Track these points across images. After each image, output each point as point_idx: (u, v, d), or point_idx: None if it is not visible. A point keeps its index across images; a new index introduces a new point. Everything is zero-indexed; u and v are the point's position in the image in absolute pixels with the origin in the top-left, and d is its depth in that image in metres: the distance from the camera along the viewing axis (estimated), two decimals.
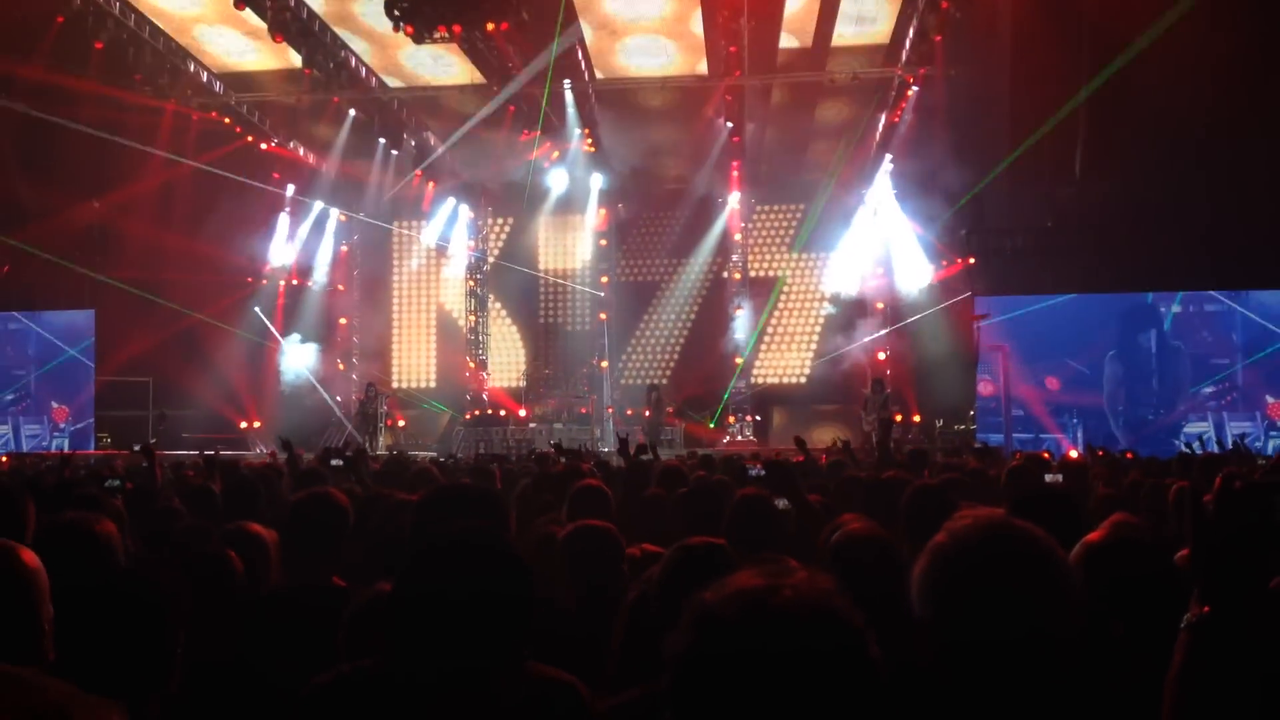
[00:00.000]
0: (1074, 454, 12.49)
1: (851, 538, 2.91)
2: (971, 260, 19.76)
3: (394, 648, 1.80)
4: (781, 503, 4.20)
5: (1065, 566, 1.70)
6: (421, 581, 1.84)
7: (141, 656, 2.01)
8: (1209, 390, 18.34)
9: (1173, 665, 1.59)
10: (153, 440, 18.47)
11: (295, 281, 22.43)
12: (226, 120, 19.54)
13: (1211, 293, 18.49)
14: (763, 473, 5.02)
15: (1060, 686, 1.59)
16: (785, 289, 23.06)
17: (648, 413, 19.28)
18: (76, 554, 2.58)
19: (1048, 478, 5.99)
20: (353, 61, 18.49)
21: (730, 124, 19.25)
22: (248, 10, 15.70)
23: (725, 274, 22.22)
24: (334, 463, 7.16)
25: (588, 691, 2.08)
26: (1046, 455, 10.49)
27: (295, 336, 21.75)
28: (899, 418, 18.50)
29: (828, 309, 21.71)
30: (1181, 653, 1.58)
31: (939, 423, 19.35)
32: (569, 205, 22.33)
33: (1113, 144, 16.94)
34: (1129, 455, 11.07)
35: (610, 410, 21.10)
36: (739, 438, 20.12)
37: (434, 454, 15.80)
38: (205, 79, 18.98)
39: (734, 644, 1.18)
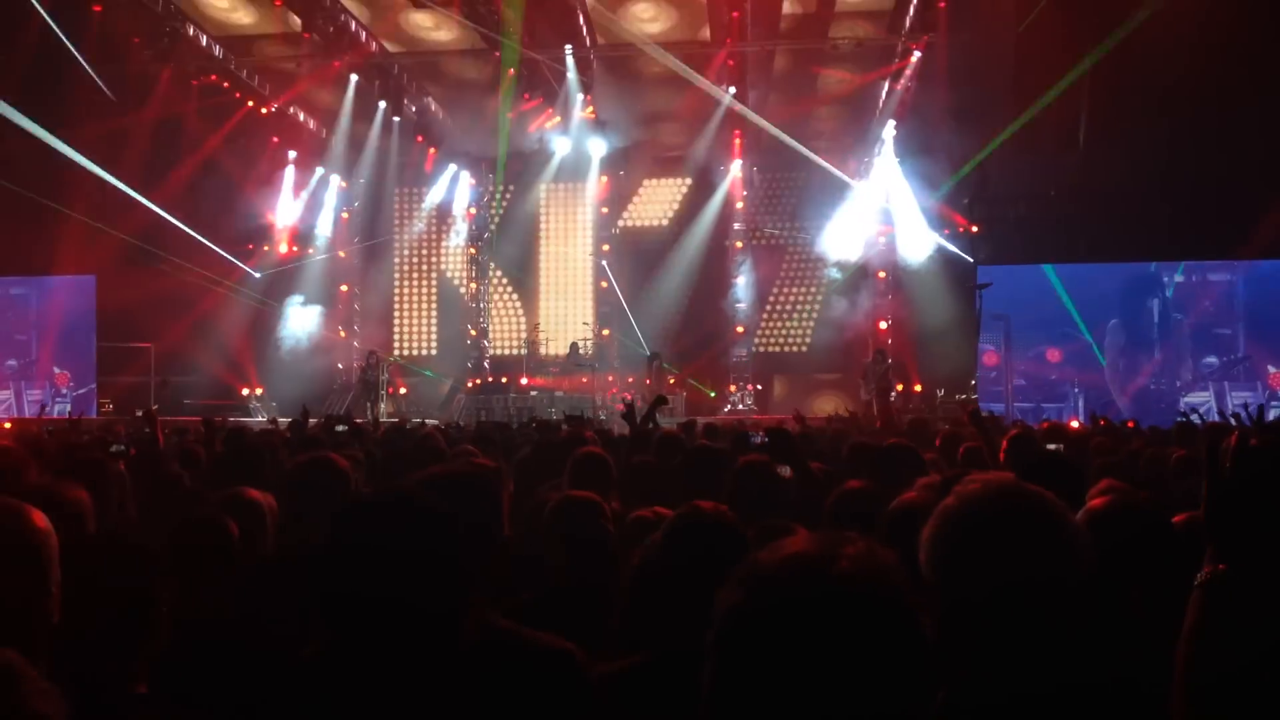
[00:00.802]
0: (1075, 424, 12.49)
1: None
2: (974, 228, 19.70)
3: (323, 617, 1.73)
4: (784, 470, 4.20)
5: (1074, 526, 1.70)
6: (335, 544, 1.76)
7: (121, 619, 2.01)
8: (1211, 360, 18.34)
9: (1185, 623, 1.59)
10: (155, 406, 18.53)
11: (295, 249, 22.37)
12: (225, 84, 19.42)
13: (1214, 262, 18.43)
14: (765, 440, 5.01)
15: (1070, 645, 1.59)
16: (787, 257, 22.97)
17: (648, 381, 19.27)
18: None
19: (1049, 447, 5.99)
20: (352, 25, 18.36)
21: (733, 90, 19.14)
22: None
23: (727, 242, 22.16)
24: (338, 429, 7.17)
25: (584, 658, 2.07)
26: (1047, 425, 10.50)
27: (298, 298, 21.74)
28: (900, 387, 18.50)
29: (832, 273, 21.58)
30: (1195, 611, 1.58)
31: (940, 392, 19.34)
32: (570, 172, 22.22)
33: (1117, 112, 16.85)
34: (1130, 425, 11.08)
35: (612, 380, 21.09)
36: (740, 407, 20.12)
37: (435, 422, 15.82)
38: (205, 42, 18.84)
39: (786, 606, 1.16)
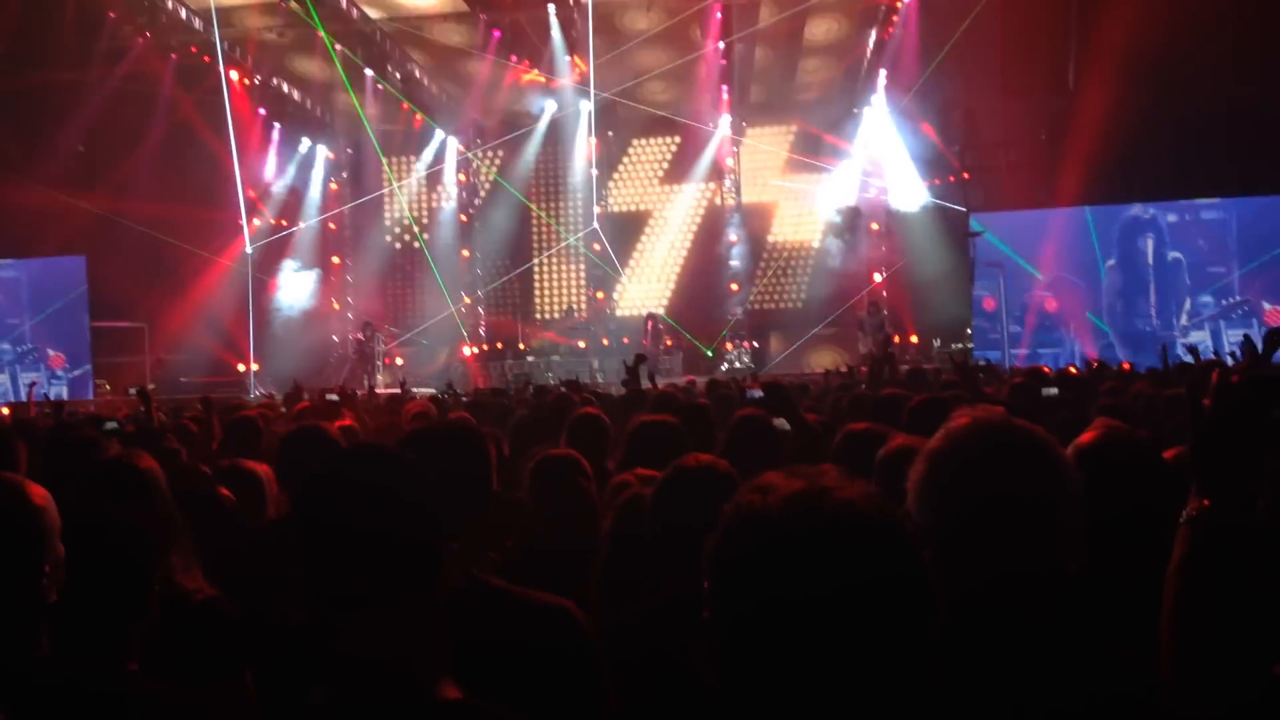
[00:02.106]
0: (1072, 369, 12.51)
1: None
2: (966, 175, 19.63)
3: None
4: (780, 423, 4.19)
5: (1064, 460, 1.70)
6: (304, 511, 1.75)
7: (109, 593, 2.01)
8: (1207, 300, 18.31)
9: (1173, 559, 1.60)
10: (151, 386, 18.51)
11: (284, 222, 22.28)
12: (206, 59, 19.21)
13: (1206, 201, 18.33)
14: (760, 395, 5.01)
15: (1062, 583, 1.60)
16: (779, 212, 22.87)
17: (645, 342, 19.24)
18: None
19: (1045, 392, 5.99)
20: None
21: (721, 45, 19.00)
22: None
23: (719, 200, 22.06)
24: (329, 397, 7.17)
25: (582, 614, 2.07)
26: (1046, 370, 10.51)
27: (292, 263, 21.70)
28: (897, 339, 18.51)
29: (832, 218, 21.45)
30: (1182, 546, 1.59)
31: (936, 342, 19.37)
32: (559, 135, 22.07)
33: (1105, 53, 16.71)
34: (1125, 367, 11.09)
35: (607, 344, 21.05)
36: (737, 364, 20.12)
37: (433, 390, 15.82)
38: (184, 15, 18.63)
39: (785, 542, 1.16)
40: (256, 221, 21.66)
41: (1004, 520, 1.61)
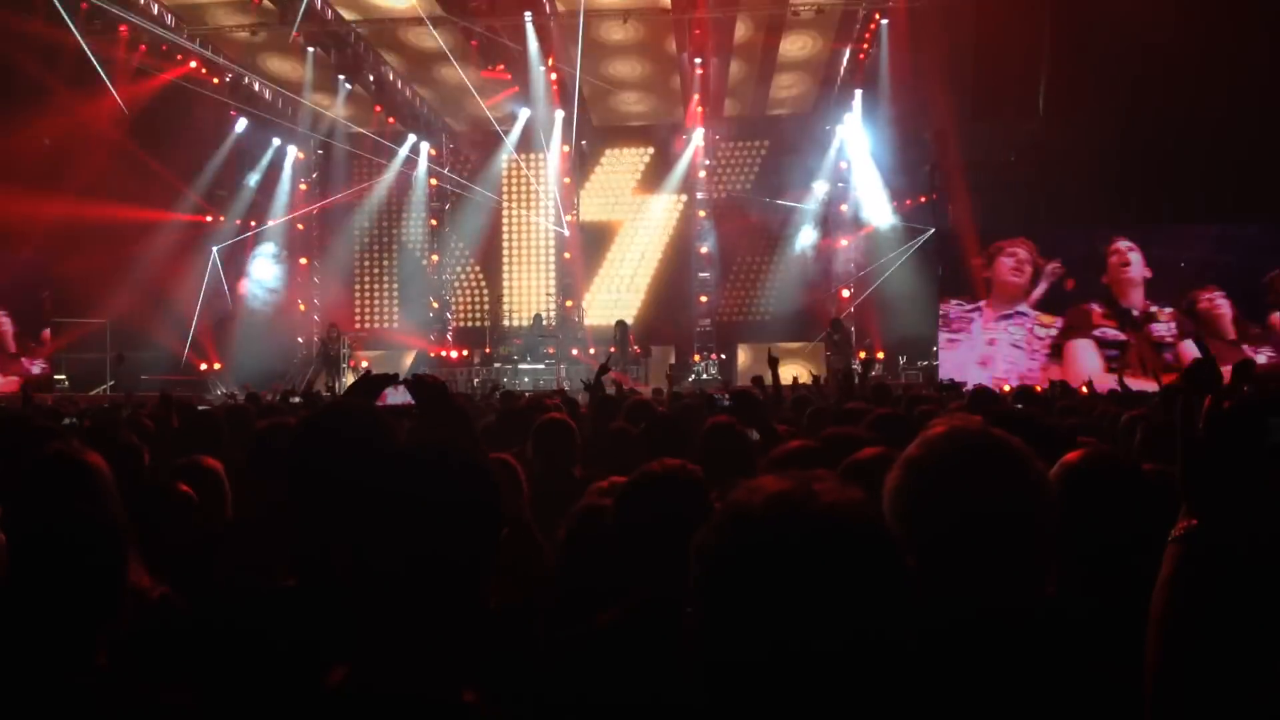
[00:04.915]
0: (1037, 388, 12.60)
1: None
2: (935, 196, 19.80)
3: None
4: (751, 433, 4.18)
5: (1041, 471, 1.72)
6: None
7: (79, 594, 1.96)
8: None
9: (1160, 576, 1.62)
10: (110, 383, 18.27)
11: (252, 222, 22.11)
12: (179, 56, 19.03)
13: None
14: (729, 402, 5.00)
15: (1039, 590, 1.62)
16: (749, 226, 22.93)
17: (613, 349, 19.21)
18: None
19: (1018, 407, 6.03)
20: None
21: (698, 59, 19.10)
22: None
23: (689, 211, 22.12)
24: (294, 400, 7.09)
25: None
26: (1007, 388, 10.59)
27: (269, 246, 21.57)
28: (862, 355, 18.61)
29: (802, 244, 21.58)
30: (1170, 564, 1.61)
31: (902, 359, 19.51)
32: (531, 143, 22.04)
33: (1076, 79, 16.92)
34: (1083, 391, 11.14)
35: (575, 353, 21.00)
36: (704, 376, 20.13)
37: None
38: (156, 11, 18.43)
39: (774, 542, 1.19)
40: (222, 219, 21.49)
41: (979, 529, 1.61)
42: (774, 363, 8.21)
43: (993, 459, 1.67)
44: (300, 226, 23.17)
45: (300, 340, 22.54)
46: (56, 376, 19.35)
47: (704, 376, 20.04)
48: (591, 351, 20.54)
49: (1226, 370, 2.20)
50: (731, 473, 3.25)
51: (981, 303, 18.05)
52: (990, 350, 17.85)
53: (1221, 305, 17.35)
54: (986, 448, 1.69)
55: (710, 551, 1.23)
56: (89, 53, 17.25)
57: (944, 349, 18.04)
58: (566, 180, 22.49)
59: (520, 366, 19.80)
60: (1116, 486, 2.19)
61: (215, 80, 20.03)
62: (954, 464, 1.66)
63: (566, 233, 22.44)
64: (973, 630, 1.58)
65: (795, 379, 9.76)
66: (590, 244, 23.13)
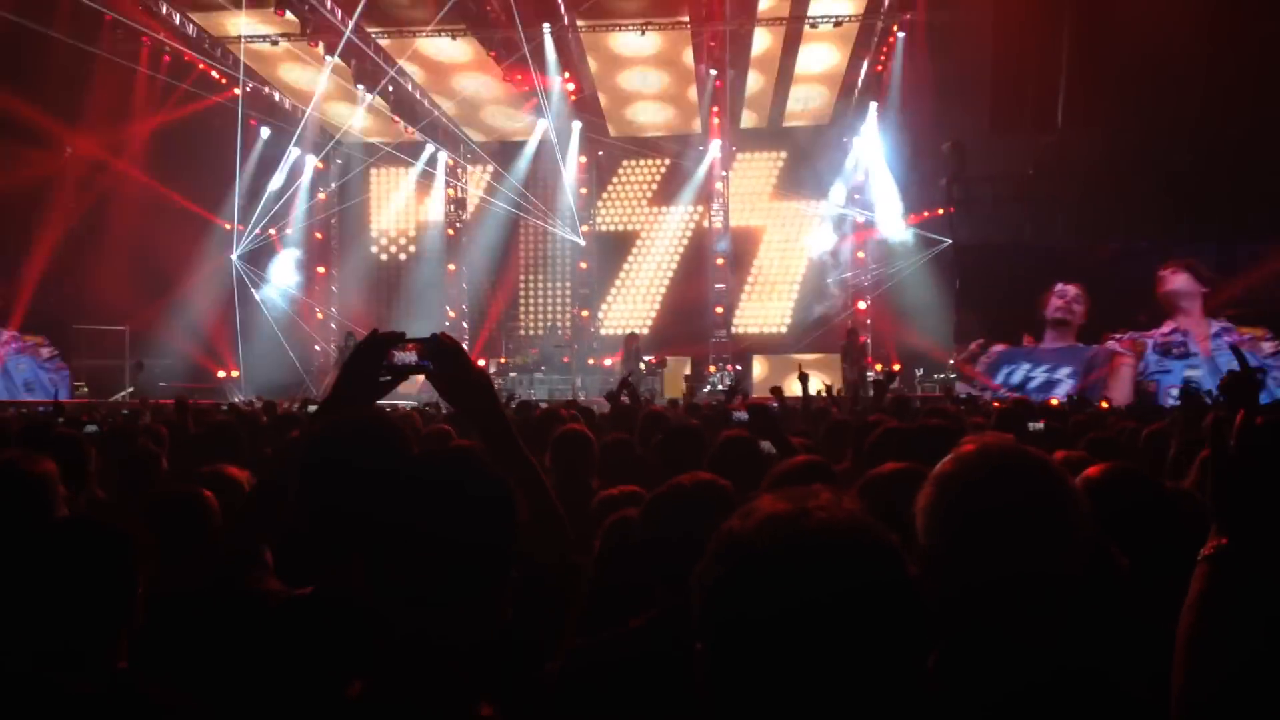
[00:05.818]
0: (1054, 401, 12.55)
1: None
2: (952, 209, 19.76)
3: None
4: (765, 445, 4.18)
5: (1072, 487, 1.69)
6: None
7: (94, 598, 1.98)
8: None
9: (1190, 595, 1.59)
10: (129, 389, 18.36)
11: (271, 231, 22.21)
12: (202, 65, 19.18)
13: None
14: (745, 417, 4.99)
15: (1070, 609, 1.59)
16: (766, 237, 22.93)
17: (618, 356, 19.24)
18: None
19: (1031, 426, 5.99)
20: (328, 3, 18.13)
21: (713, 71, 19.12)
22: None
23: (706, 223, 22.14)
24: (311, 409, 7.11)
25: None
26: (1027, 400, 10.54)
27: (288, 255, 21.65)
28: (879, 367, 18.56)
29: (819, 253, 21.56)
30: (1200, 583, 1.59)
31: (919, 372, 19.44)
32: (548, 153, 22.09)
33: (1095, 92, 16.87)
34: (1103, 406, 11.09)
35: (591, 362, 21.03)
36: (720, 388, 20.09)
37: (414, 403, 15.75)
38: (178, 21, 18.59)
39: (771, 570, 1.15)
40: (242, 228, 21.60)
41: (1013, 546, 1.59)
42: (804, 379, 8.27)
43: (1025, 474, 1.65)
44: (319, 235, 23.28)
45: (318, 348, 22.63)
46: (75, 383, 19.47)
47: (719, 387, 20.01)
48: (608, 363, 20.57)
49: None
50: (745, 487, 3.27)
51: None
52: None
53: None
54: (1018, 464, 1.67)
55: (709, 582, 1.19)
56: (114, 60, 17.41)
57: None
58: (583, 191, 22.53)
59: (536, 376, 19.82)
60: (1138, 501, 2.18)
61: (235, 91, 20.16)
62: (984, 478, 1.64)
63: (583, 243, 22.48)
64: (997, 617, 1.57)
65: (829, 387, 9.75)
66: (607, 254, 23.17)
